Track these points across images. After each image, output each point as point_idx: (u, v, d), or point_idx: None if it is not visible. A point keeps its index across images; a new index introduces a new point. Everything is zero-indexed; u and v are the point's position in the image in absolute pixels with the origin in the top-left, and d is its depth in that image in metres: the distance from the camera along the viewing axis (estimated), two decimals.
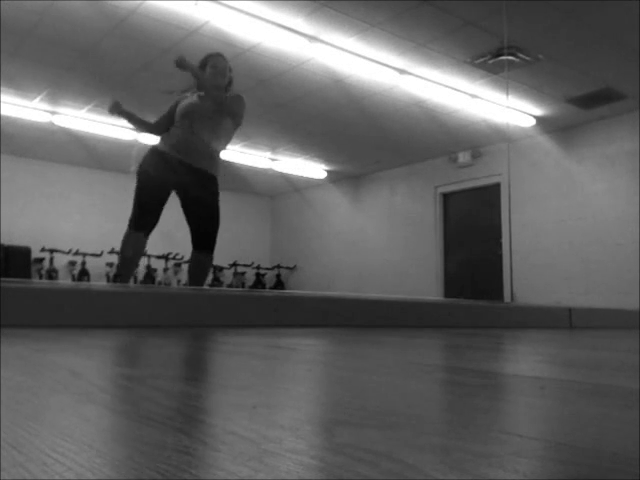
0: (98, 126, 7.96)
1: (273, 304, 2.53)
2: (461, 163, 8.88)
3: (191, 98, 3.57)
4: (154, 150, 3.52)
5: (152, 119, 3.66)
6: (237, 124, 3.64)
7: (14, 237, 9.27)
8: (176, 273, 10.44)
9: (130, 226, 3.44)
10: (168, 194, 3.50)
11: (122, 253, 3.51)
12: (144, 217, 3.44)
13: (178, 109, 3.55)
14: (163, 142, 3.53)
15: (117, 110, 3.53)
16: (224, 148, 3.64)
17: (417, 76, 6.22)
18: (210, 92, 3.47)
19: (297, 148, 9.02)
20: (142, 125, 3.65)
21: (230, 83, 3.68)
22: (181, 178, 3.44)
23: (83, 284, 5.05)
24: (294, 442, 0.46)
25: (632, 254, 6.83)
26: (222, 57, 3.65)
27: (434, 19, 5.05)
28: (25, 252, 9.38)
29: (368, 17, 5.06)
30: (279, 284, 11.78)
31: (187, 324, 2.18)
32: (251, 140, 8.45)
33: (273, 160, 9.67)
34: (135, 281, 10.09)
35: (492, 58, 5.72)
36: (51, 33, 5.45)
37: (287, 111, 7.36)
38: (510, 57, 5.63)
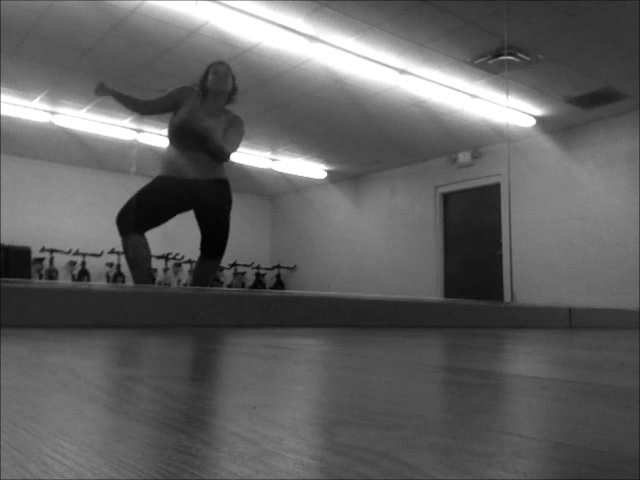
0: (98, 126, 7.96)
1: (273, 304, 2.53)
2: (461, 163, 8.88)
3: (191, 109, 3.52)
4: (160, 176, 3.50)
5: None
6: (238, 141, 3.63)
7: (14, 237, 9.27)
8: (176, 273, 10.45)
9: (130, 229, 3.37)
10: (175, 214, 3.51)
11: (131, 258, 3.45)
12: (146, 221, 3.41)
13: (176, 120, 3.50)
14: (166, 168, 3.51)
15: (103, 91, 3.51)
16: (234, 151, 3.60)
17: (417, 76, 6.22)
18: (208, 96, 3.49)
19: (297, 148, 9.02)
20: (129, 103, 3.62)
21: (235, 91, 3.68)
22: (192, 195, 3.44)
23: (83, 284, 5.05)
24: (294, 442, 0.46)
25: (632, 254, 6.83)
26: (224, 64, 3.66)
27: (434, 19, 5.05)
28: (25, 252, 9.38)
29: (368, 17, 5.06)
30: (279, 284, 11.78)
31: (187, 324, 2.18)
32: (251, 140, 8.45)
33: (273, 160, 9.67)
34: None
35: (492, 58, 5.72)
36: (51, 33, 5.45)
37: (287, 111, 7.36)
38: (510, 57, 5.64)
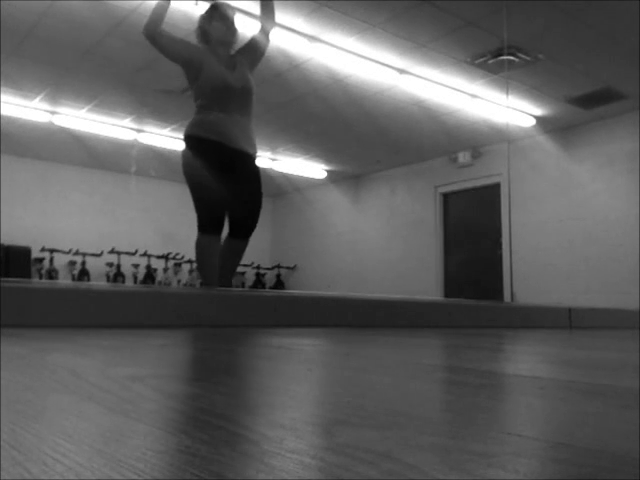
0: (98, 126, 7.96)
1: (273, 304, 2.53)
2: (461, 163, 8.88)
3: (218, 67, 3.16)
4: (193, 138, 3.16)
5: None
6: (266, 40, 3.31)
7: (14, 237, 9.27)
8: (176, 273, 10.44)
9: (202, 230, 3.19)
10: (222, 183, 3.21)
11: (200, 261, 3.26)
12: (212, 217, 3.19)
13: (207, 77, 3.13)
14: (200, 128, 3.17)
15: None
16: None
17: (417, 76, 6.22)
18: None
19: (297, 148, 9.02)
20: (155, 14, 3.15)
21: (236, 39, 3.28)
22: (227, 164, 3.16)
23: (83, 284, 5.05)
24: (294, 442, 0.46)
25: (632, 254, 6.83)
26: (230, 7, 3.21)
27: (434, 19, 5.05)
28: (25, 252, 9.38)
29: (368, 17, 5.06)
30: (279, 284, 11.78)
31: (187, 324, 2.18)
32: None
33: (273, 160, 9.67)
34: (135, 281, 10.10)
35: (492, 58, 5.72)
36: (51, 33, 5.45)
37: (287, 111, 7.36)
38: (510, 57, 5.64)
